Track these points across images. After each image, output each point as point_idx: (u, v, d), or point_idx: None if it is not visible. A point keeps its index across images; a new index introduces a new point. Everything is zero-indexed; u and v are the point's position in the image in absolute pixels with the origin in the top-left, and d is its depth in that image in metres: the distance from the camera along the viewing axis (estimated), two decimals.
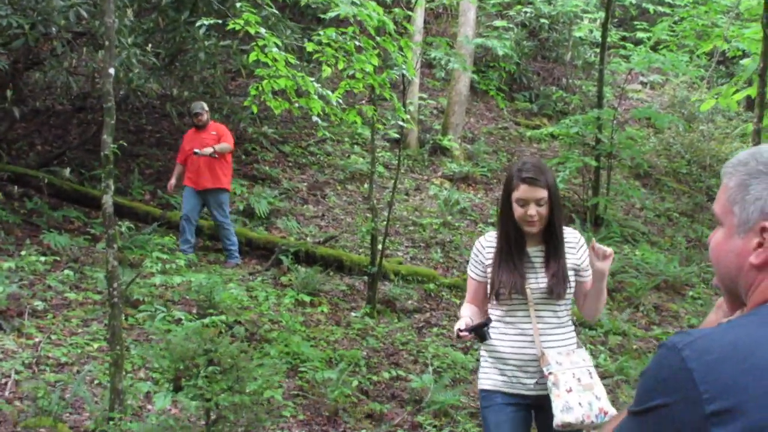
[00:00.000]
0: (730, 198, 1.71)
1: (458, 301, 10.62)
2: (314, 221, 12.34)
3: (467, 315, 3.92)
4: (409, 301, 10.32)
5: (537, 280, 3.88)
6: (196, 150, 10.41)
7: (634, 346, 9.49)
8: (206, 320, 7.33)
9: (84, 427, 5.68)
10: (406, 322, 9.72)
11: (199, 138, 10.52)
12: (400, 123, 9.25)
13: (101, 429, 5.51)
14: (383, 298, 10.10)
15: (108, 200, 5.66)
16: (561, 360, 3.77)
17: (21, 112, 10.94)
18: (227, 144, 10.51)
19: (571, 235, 3.98)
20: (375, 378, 7.99)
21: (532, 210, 3.76)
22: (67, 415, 5.92)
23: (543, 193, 3.76)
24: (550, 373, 3.74)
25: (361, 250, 11.40)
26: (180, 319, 7.85)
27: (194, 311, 8.29)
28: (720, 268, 1.75)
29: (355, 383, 7.64)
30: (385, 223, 10.04)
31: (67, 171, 11.39)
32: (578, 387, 3.72)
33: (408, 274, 10.82)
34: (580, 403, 3.67)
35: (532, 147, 16.99)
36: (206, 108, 10.75)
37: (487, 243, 4.04)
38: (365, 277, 10.21)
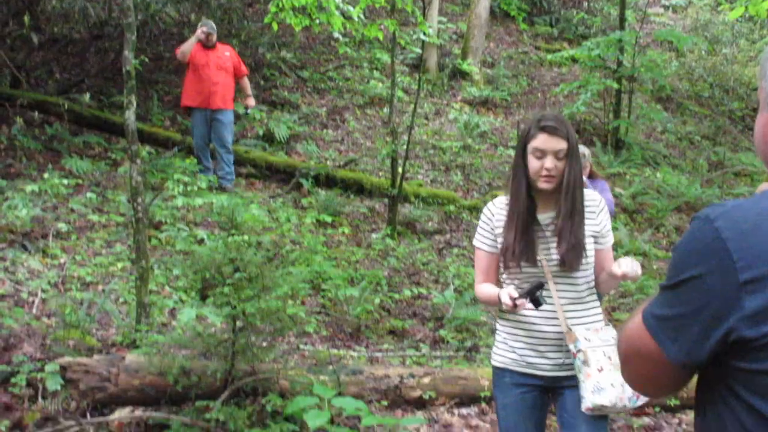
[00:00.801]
0: (760, 77, 1.72)
1: (478, 223, 10.63)
2: (334, 145, 12.32)
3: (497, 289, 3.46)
4: (430, 223, 10.34)
5: (549, 250, 3.43)
6: (248, 111, 10.77)
7: (655, 266, 9.49)
8: (230, 240, 7.37)
9: (111, 340, 5.76)
10: (426, 243, 9.75)
11: (211, 56, 10.27)
12: (422, 37, 9.15)
13: (128, 341, 5.59)
14: (404, 220, 10.12)
15: (131, 116, 5.66)
16: (590, 336, 3.36)
17: (39, 39, 10.89)
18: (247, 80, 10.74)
19: (590, 198, 3.49)
20: (396, 296, 8.05)
21: (550, 162, 3.33)
22: (95, 329, 6.00)
23: (563, 144, 3.35)
24: (579, 351, 3.33)
25: (381, 174, 11.39)
26: (202, 239, 7.91)
27: (216, 232, 8.34)
28: (756, 144, 1.76)
29: (377, 301, 7.70)
30: (405, 146, 10.01)
31: (86, 97, 11.38)
32: (610, 366, 3.30)
33: (428, 197, 10.82)
34: (612, 384, 3.26)
35: (553, 71, 16.81)
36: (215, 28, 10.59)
37: (497, 209, 3.54)
38: (386, 200, 10.22)
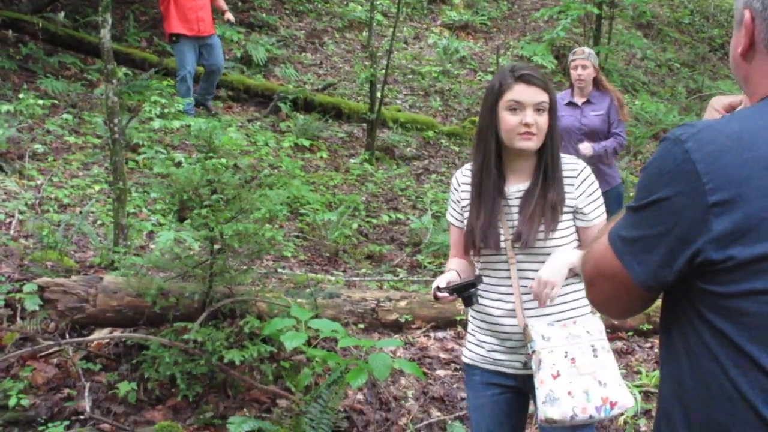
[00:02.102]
0: None
1: (457, 149, 10.64)
2: (312, 69, 12.22)
3: (454, 269, 3.03)
4: (408, 149, 10.34)
5: (513, 227, 2.95)
6: (231, 20, 10.56)
7: (632, 194, 9.55)
8: (207, 162, 7.33)
9: (89, 261, 5.76)
10: (404, 169, 9.77)
11: None
12: None
13: (106, 263, 5.61)
14: (382, 145, 10.12)
15: (106, 35, 5.58)
16: (551, 334, 2.85)
17: None
18: None
19: (569, 165, 2.96)
20: (374, 221, 8.09)
21: (530, 117, 2.84)
22: (72, 251, 6.00)
23: (543, 96, 2.87)
24: (533, 352, 2.86)
25: (359, 98, 11.34)
26: (180, 162, 7.87)
27: (194, 155, 8.30)
28: (732, 68, 1.76)
29: (355, 226, 7.74)
30: (383, 71, 9.94)
31: (61, 15, 11.18)
32: (570, 371, 2.80)
33: (407, 122, 10.80)
34: (570, 393, 2.77)
35: None
36: None
37: (463, 178, 3.10)
38: (364, 125, 10.19)
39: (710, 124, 1.55)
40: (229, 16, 10.53)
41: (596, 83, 6.90)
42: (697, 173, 1.48)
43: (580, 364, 2.81)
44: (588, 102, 6.90)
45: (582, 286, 2.71)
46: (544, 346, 2.82)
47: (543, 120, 2.87)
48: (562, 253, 2.83)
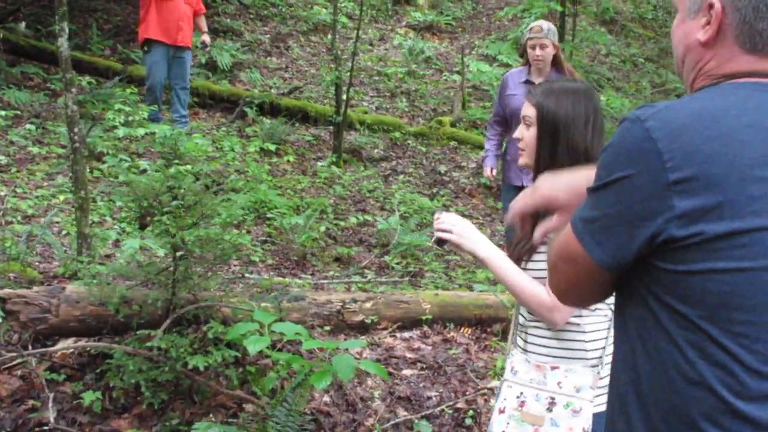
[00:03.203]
0: None
1: (424, 149, 10.67)
2: (278, 73, 12.21)
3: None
4: (375, 150, 10.35)
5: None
6: (207, 42, 10.15)
7: None
8: (171, 169, 7.31)
9: (53, 272, 5.73)
10: (372, 170, 9.78)
11: None
12: None
13: (70, 273, 5.57)
14: (349, 148, 10.13)
15: (64, 44, 5.55)
16: (519, 369, 2.73)
17: None
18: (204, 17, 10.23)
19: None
20: (342, 224, 8.09)
21: (518, 131, 2.78)
22: (37, 262, 5.96)
23: (529, 110, 2.71)
24: (504, 380, 2.80)
25: (325, 101, 11.34)
26: (145, 170, 7.84)
27: (159, 162, 8.26)
28: (674, 51, 1.77)
29: (323, 228, 7.73)
30: (349, 73, 9.95)
31: (22, 26, 11.10)
32: (513, 413, 2.66)
33: (373, 123, 10.82)
34: None
35: None
36: None
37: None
38: (330, 127, 10.19)
39: (670, 104, 1.55)
40: (207, 38, 10.14)
41: (555, 62, 6.15)
42: (659, 151, 1.48)
43: (527, 410, 2.63)
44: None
45: (576, 335, 2.63)
46: (508, 377, 2.74)
47: (529, 135, 2.70)
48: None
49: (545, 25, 6.17)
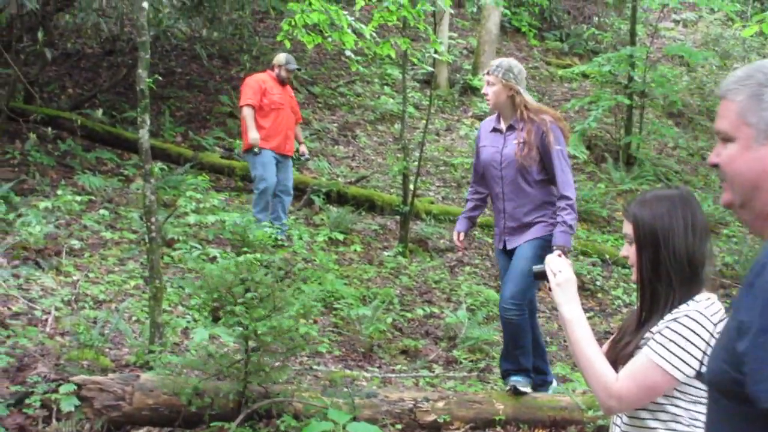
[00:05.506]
0: (741, 111, 1.69)
1: (490, 240, 10.62)
2: (345, 161, 12.33)
3: None
4: (441, 240, 10.32)
5: None
6: (305, 153, 9.83)
7: None
8: (240, 258, 7.36)
9: (125, 360, 5.75)
10: (438, 261, 9.74)
11: (286, 96, 9.40)
12: (435, 56, 9.16)
13: (142, 361, 5.59)
14: (415, 238, 10.11)
15: (144, 134, 5.66)
16: None
17: (52, 54, 10.92)
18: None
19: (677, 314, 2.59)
20: (409, 315, 8.03)
21: (624, 249, 2.72)
22: (108, 349, 5.99)
23: (626, 227, 2.65)
24: None
25: (392, 190, 11.40)
26: (215, 257, 7.90)
27: (228, 250, 8.34)
28: (739, 182, 1.71)
29: (390, 320, 7.68)
30: (416, 163, 10.00)
31: (99, 112, 11.41)
32: None
33: (440, 214, 10.82)
34: None
35: (563, 86, 16.82)
36: None
37: None
38: (397, 217, 10.21)
39: None
40: (305, 149, 9.87)
41: (513, 106, 5.37)
42: None
43: None
44: (511, 128, 5.42)
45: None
46: None
47: (632, 252, 2.63)
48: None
49: (497, 61, 5.57)
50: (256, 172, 9.07)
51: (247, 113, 8.99)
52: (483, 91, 5.53)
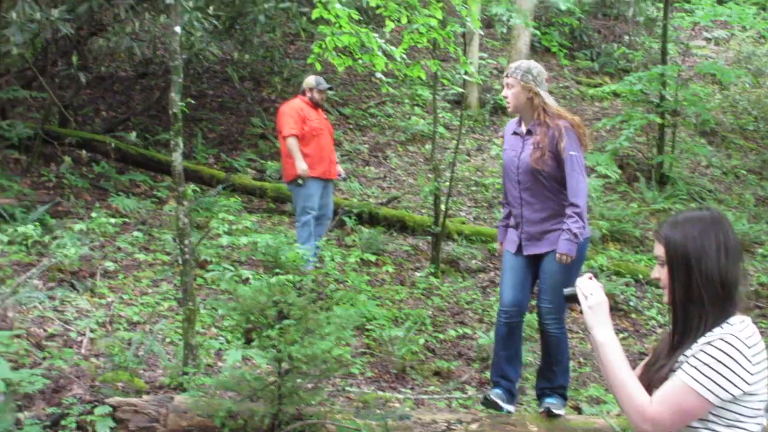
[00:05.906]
0: None
1: None
2: (376, 182, 12.36)
3: None
4: (473, 261, 10.29)
5: None
6: (342, 174, 9.59)
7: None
8: (273, 279, 7.39)
9: (159, 382, 5.78)
10: (470, 282, 9.72)
11: (320, 117, 9.18)
12: (465, 77, 9.17)
13: (176, 383, 5.61)
14: (447, 258, 10.10)
15: (178, 158, 5.71)
16: None
17: (86, 78, 11.07)
18: None
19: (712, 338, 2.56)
20: (441, 336, 8.01)
21: (656, 271, 2.68)
22: (142, 371, 6.03)
23: (659, 249, 2.65)
24: None
25: (423, 211, 11.40)
26: (248, 279, 7.94)
27: (261, 271, 8.37)
28: None
29: (422, 341, 7.66)
30: (447, 183, 10.00)
31: (133, 135, 11.53)
32: None
33: (471, 234, 10.80)
34: None
35: (594, 105, 16.76)
36: None
37: None
38: (428, 237, 10.21)
39: None
40: (341, 169, 9.60)
41: (533, 109, 5.30)
42: None
43: None
44: (530, 132, 5.33)
45: None
46: None
47: (663, 274, 2.63)
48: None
49: (516, 63, 5.52)
50: (300, 203, 8.90)
51: (292, 144, 8.72)
52: (503, 94, 5.45)
